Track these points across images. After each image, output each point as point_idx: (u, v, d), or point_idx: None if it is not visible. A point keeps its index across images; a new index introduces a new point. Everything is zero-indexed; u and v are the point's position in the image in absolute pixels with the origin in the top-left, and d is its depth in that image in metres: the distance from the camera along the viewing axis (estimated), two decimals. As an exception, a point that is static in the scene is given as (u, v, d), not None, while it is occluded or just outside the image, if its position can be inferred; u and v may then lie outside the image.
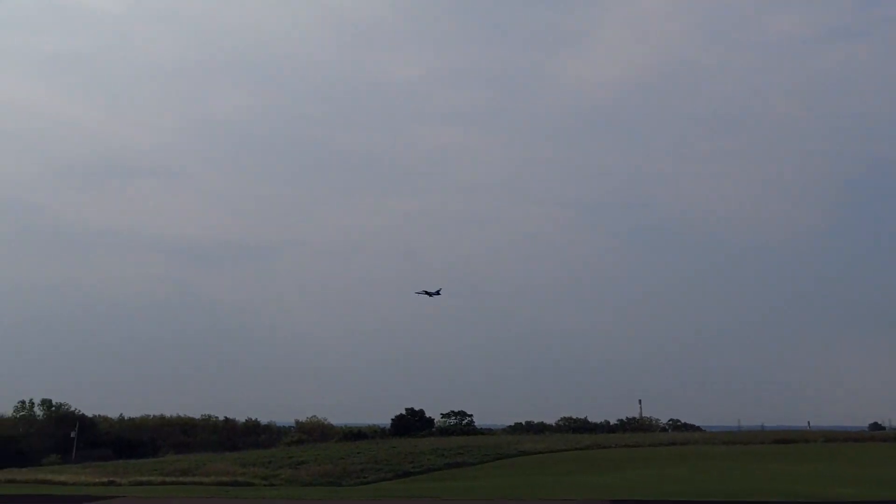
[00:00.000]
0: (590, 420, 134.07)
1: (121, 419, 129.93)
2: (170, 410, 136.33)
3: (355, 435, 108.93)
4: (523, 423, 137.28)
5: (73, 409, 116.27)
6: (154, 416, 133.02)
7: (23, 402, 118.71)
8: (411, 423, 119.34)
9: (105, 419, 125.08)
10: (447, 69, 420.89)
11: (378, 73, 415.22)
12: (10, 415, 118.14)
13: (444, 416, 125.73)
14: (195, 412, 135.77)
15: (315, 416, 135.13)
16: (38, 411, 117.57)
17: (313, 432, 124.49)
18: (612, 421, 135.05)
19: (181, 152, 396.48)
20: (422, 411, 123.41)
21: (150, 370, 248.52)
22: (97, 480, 58.12)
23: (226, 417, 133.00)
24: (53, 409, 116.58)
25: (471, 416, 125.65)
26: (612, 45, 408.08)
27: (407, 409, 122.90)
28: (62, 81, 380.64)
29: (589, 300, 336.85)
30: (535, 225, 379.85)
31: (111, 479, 59.17)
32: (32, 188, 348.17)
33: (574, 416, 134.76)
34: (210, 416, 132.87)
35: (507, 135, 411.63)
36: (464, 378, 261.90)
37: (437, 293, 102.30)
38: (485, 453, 78.12)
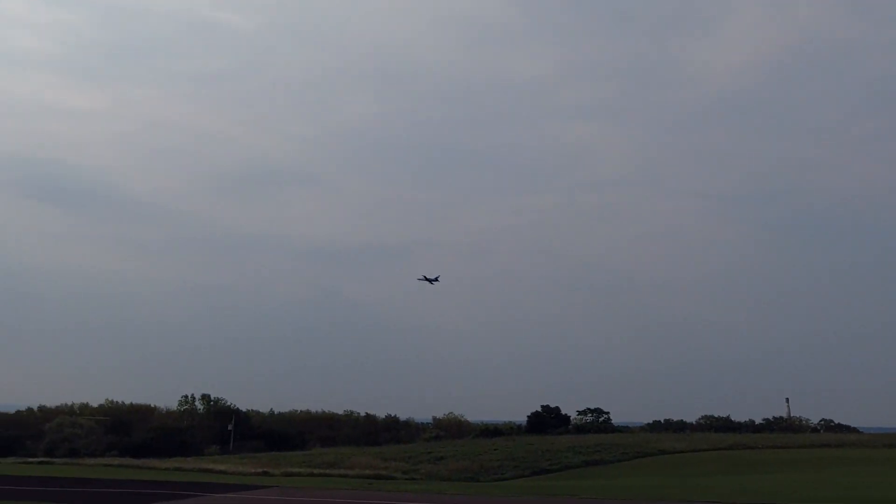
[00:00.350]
0: (733, 419, 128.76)
1: (271, 413, 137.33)
2: (315, 406, 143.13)
3: (491, 432, 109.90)
4: (662, 421, 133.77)
5: (228, 403, 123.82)
6: (301, 411, 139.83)
7: (185, 396, 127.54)
8: (547, 420, 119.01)
9: (257, 413, 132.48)
10: (574, 64, 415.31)
11: (504, 71, 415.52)
12: (175, 408, 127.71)
13: (580, 413, 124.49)
14: (338, 408, 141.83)
15: (452, 412, 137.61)
16: (198, 405, 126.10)
17: (450, 428, 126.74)
18: (758, 420, 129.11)
19: (319, 159, 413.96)
20: (557, 408, 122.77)
21: (296, 367, 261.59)
22: (253, 471, 61.70)
23: (367, 413, 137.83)
24: (212, 403, 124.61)
25: (607, 413, 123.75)
26: (744, 26, 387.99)
27: (543, 407, 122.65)
28: (207, 98, 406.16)
29: (734, 294, 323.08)
30: (674, 218, 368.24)
31: (265, 469, 62.71)
32: (186, 198, 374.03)
33: (716, 415, 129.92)
34: (352, 412, 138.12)
35: (639, 126, 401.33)
36: (600, 375, 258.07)
37: (436, 280, 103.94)
38: (623, 451, 76.96)
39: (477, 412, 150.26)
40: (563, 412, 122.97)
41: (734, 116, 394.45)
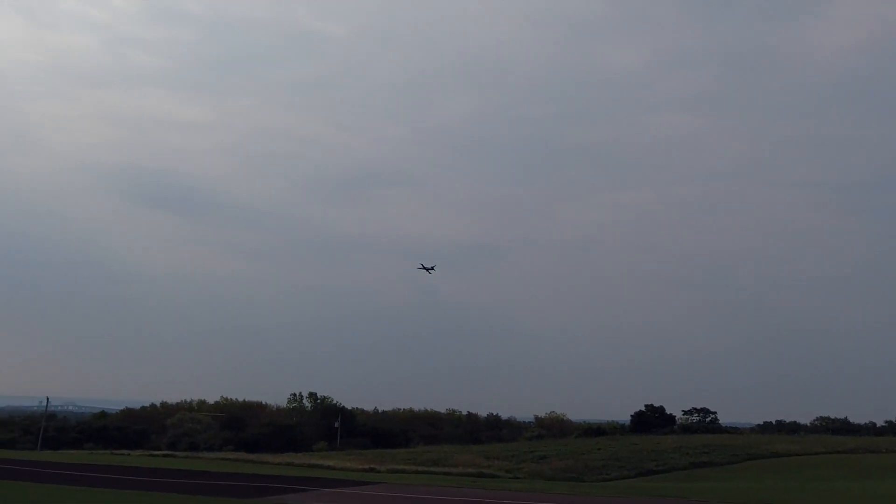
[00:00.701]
0: (851, 421, 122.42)
1: (375, 412, 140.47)
2: (417, 405, 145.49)
3: (594, 431, 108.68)
4: (773, 422, 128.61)
5: (334, 401, 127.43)
6: (404, 409, 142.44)
7: (294, 394, 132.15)
8: (651, 419, 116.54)
9: (362, 411, 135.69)
10: (669, 54, 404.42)
11: (598, 65, 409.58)
12: (285, 406, 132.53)
13: (685, 413, 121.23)
14: (440, 406, 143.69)
15: (553, 411, 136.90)
16: (306, 403, 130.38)
17: (552, 427, 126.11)
18: (879, 423, 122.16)
19: (417, 160, 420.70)
20: (662, 408, 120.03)
21: (399, 366, 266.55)
22: (359, 467, 63.38)
23: (468, 412, 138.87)
24: (318, 401, 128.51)
25: (714, 413, 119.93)
26: (854, 5, 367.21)
27: (646, 406, 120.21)
28: (306, 105, 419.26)
29: (852, 291, 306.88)
30: (787, 211, 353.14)
31: (371, 465, 64.39)
32: (289, 202, 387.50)
33: (832, 416, 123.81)
34: (454, 411, 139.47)
35: (743, 116, 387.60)
36: (706, 374, 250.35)
37: (432, 269, 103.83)
38: (733, 453, 74.58)
39: (579, 411, 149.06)
40: (668, 412, 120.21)
41: (849, 101, 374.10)
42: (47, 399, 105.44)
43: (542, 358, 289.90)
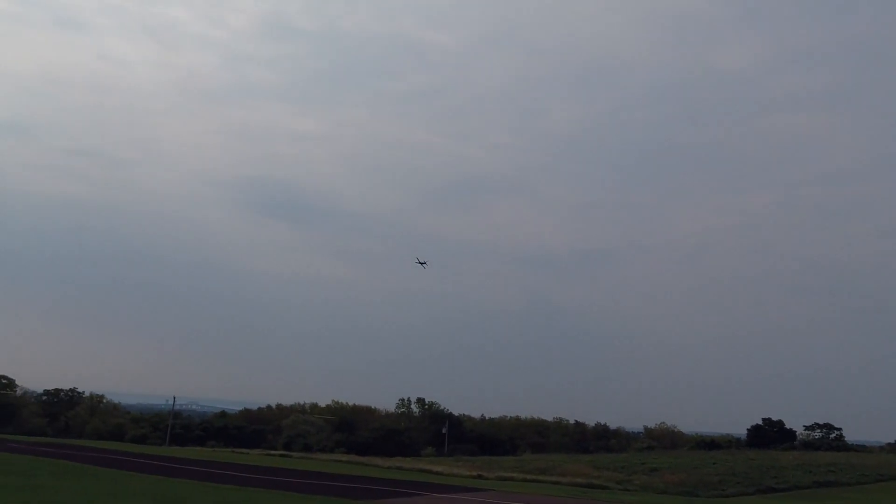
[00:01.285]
0: None
1: (482, 419, 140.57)
2: (524, 412, 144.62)
3: (708, 444, 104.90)
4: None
5: (442, 407, 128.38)
6: (511, 417, 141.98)
7: (402, 399, 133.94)
8: (769, 434, 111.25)
9: (469, 418, 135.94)
10: (783, 51, 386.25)
11: (711, 64, 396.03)
12: (393, 410, 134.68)
13: (807, 428, 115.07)
14: (547, 415, 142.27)
15: (664, 422, 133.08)
16: (414, 408, 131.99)
17: (663, 439, 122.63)
18: None
19: (526, 166, 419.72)
20: (781, 422, 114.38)
21: (506, 373, 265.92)
22: (467, 473, 63.62)
23: (576, 421, 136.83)
24: (426, 406, 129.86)
25: (839, 429, 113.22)
26: None
27: (764, 419, 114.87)
28: (416, 114, 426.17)
29: None
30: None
31: (479, 472, 64.50)
32: (400, 210, 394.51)
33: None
34: (561, 419, 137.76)
35: (867, 113, 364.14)
36: (831, 387, 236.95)
37: (424, 263, 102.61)
38: (862, 473, 70.33)
39: (690, 423, 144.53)
40: (788, 426, 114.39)
41: None
42: (174, 398, 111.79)
43: (653, 366, 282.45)
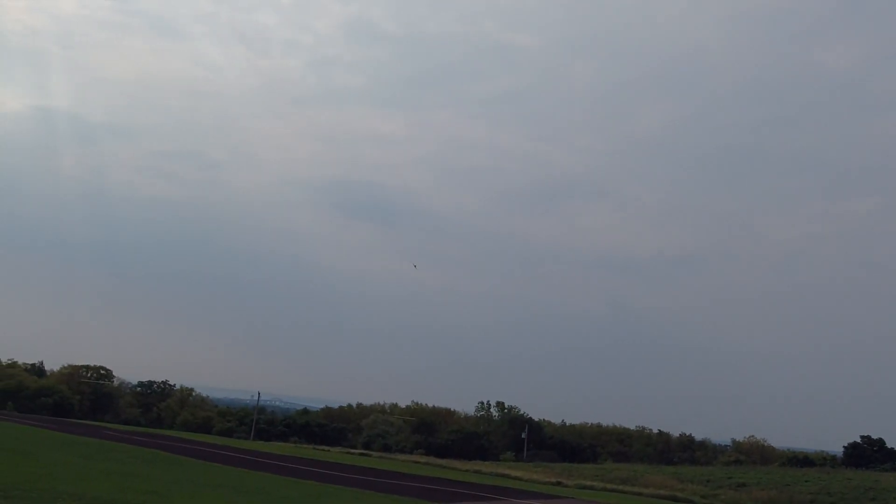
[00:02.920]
0: None
1: (562, 425, 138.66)
2: (605, 419, 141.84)
3: (800, 461, 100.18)
4: None
5: (521, 412, 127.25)
6: (592, 423, 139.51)
7: (482, 402, 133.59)
8: (868, 452, 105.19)
9: (549, 423, 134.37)
10: (888, 49, 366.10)
11: (806, 64, 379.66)
12: (472, 414, 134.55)
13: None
14: (629, 423, 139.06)
15: (753, 435, 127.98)
16: (493, 412, 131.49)
17: (752, 453, 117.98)
18: None
19: (611, 170, 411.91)
20: (881, 440, 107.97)
21: (587, 379, 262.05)
22: (546, 480, 62.89)
23: (659, 430, 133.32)
24: (506, 410, 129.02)
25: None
26: None
27: (863, 437, 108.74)
28: (499, 117, 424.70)
29: None
30: None
31: (559, 479, 63.61)
32: (483, 213, 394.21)
33: None
34: (644, 428, 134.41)
35: None
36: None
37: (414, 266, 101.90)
38: (972, 498, 65.63)
39: (781, 438, 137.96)
40: (889, 445, 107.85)
41: None
42: (258, 394, 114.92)
43: (742, 377, 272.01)
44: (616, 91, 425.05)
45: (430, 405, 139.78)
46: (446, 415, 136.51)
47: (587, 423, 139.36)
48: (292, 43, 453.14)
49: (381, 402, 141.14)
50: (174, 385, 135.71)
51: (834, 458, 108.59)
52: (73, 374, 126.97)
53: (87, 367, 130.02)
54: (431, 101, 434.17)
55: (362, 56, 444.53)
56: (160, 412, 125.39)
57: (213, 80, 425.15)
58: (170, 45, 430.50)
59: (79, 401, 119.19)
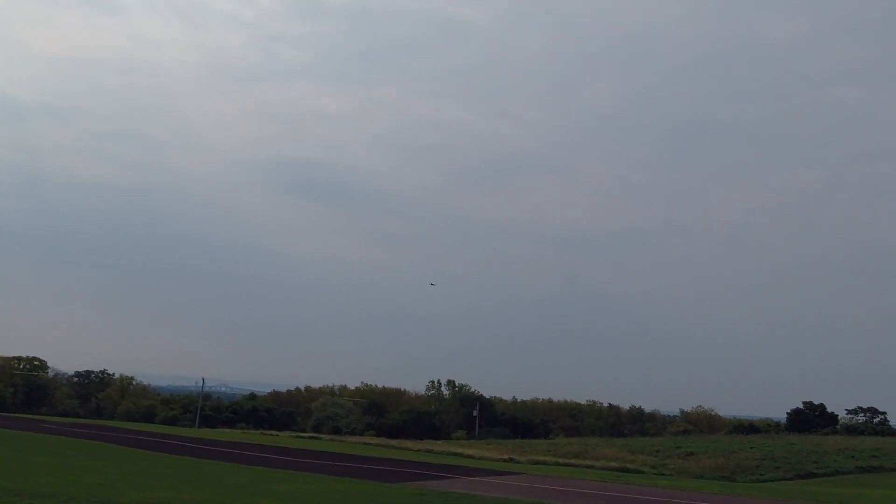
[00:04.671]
0: None
1: (514, 401, 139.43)
2: (557, 395, 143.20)
3: (746, 428, 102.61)
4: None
5: (472, 390, 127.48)
6: (543, 399, 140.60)
7: (432, 381, 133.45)
8: (811, 418, 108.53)
9: (500, 401, 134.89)
10: (835, 23, 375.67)
11: (757, 34, 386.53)
12: (423, 393, 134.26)
13: (849, 412, 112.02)
14: (581, 397, 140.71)
15: (701, 405, 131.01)
16: (444, 391, 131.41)
17: (699, 423, 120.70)
18: None
19: (560, 145, 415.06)
20: (822, 406, 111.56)
21: (538, 355, 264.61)
22: (499, 457, 62.78)
23: (610, 404, 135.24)
24: (457, 389, 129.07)
25: (884, 413, 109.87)
26: None
27: (805, 403, 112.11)
28: (448, 93, 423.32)
29: None
30: None
31: (511, 456, 63.58)
32: (433, 191, 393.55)
33: None
34: (595, 402, 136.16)
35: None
36: (874, 369, 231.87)
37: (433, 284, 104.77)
38: (908, 458, 68.04)
39: (728, 407, 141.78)
40: (829, 410, 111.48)
41: None
42: (203, 380, 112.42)
43: (690, 350, 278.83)
44: (566, 65, 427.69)
45: (381, 386, 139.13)
46: (397, 395, 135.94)
47: (538, 399, 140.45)
48: (234, 17, 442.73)
49: (331, 385, 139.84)
50: (113, 374, 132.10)
51: (778, 424, 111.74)
52: (5, 367, 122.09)
53: (20, 359, 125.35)
54: (380, 77, 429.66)
55: (307, 31, 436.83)
56: (100, 402, 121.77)
57: (151, 57, 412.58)
58: (105, 20, 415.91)
59: (12, 394, 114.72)
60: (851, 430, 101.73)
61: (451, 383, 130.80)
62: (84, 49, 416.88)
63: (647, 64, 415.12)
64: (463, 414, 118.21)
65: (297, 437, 79.75)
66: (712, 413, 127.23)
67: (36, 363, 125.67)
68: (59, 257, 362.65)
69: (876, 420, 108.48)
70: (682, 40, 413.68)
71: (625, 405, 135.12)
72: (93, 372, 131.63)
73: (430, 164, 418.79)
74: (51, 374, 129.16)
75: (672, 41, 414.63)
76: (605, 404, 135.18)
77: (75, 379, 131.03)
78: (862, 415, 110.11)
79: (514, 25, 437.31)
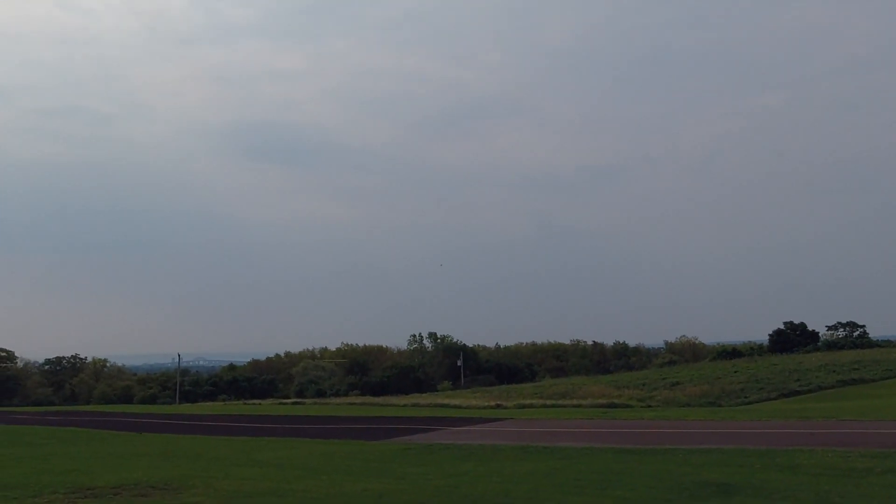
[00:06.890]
0: None
1: (498, 348, 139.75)
2: (540, 337, 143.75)
3: (730, 353, 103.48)
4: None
5: (455, 340, 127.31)
6: (527, 343, 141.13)
7: (414, 335, 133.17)
8: (792, 338, 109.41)
9: (484, 348, 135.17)
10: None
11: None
12: (406, 348, 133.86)
13: (829, 328, 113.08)
14: (564, 338, 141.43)
15: (684, 335, 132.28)
16: (427, 344, 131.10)
17: (684, 352, 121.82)
18: None
19: (522, 86, 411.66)
20: (803, 324, 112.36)
21: (518, 300, 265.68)
22: (486, 404, 62.42)
23: (594, 342, 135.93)
24: (439, 340, 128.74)
25: (863, 326, 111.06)
26: None
27: (786, 323, 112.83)
28: (403, 41, 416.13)
29: None
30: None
31: (498, 402, 63.29)
32: (395, 143, 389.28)
33: None
34: (579, 341, 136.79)
35: None
36: (851, 285, 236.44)
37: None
38: (886, 368, 69.00)
39: (712, 334, 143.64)
40: (810, 328, 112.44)
41: None
42: (178, 356, 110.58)
43: (671, 281, 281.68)
44: (523, 2, 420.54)
45: (362, 345, 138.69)
46: (379, 352, 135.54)
47: (522, 344, 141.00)
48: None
49: (311, 348, 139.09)
50: (85, 358, 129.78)
51: (761, 346, 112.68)
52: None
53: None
54: (331, 30, 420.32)
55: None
56: (74, 388, 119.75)
57: (87, 26, 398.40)
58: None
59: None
60: (832, 345, 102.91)
61: (432, 335, 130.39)
62: (10, 22, 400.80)
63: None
64: (447, 365, 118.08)
65: (280, 403, 78.72)
66: (696, 342, 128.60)
67: (3, 354, 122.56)
68: (8, 242, 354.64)
69: (856, 334, 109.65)
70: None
71: (609, 342, 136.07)
72: (64, 358, 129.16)
73: (389, 115, 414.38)
74: (20, 364, 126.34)
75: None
76: (590, 342, 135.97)
77: (46, 367, 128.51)
78: (842, 330, 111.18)
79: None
